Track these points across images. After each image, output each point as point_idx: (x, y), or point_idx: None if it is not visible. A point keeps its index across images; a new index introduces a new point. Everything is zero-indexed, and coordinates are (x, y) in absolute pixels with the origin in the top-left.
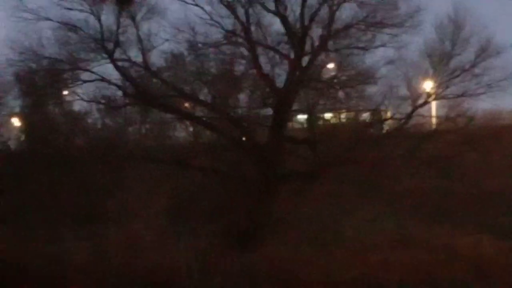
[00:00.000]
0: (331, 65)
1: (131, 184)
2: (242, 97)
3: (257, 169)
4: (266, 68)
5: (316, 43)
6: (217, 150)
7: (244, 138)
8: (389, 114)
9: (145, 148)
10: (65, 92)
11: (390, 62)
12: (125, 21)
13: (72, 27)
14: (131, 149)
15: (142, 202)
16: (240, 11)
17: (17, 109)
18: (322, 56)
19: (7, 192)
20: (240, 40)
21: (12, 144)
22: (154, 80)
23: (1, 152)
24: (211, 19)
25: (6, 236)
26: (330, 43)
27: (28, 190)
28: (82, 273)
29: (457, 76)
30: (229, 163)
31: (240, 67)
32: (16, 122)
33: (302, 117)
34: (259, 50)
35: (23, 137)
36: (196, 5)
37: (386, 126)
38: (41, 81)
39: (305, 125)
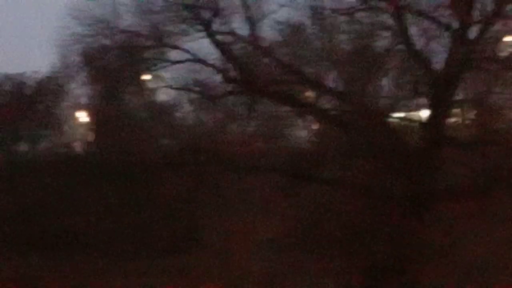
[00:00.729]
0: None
1: (233, 202)
2: (385, 83)
3: (404, 182)
4: (419, 43)
5: (489, 8)
6: (349, 155)
7: (387, 139)
8: None
9: (252, 152)
10: (147, 77)
11: None
12: None
13: None
14: (234, 154)
15: (247, 226)
16: None
17: (84, 100)
18: (497, 26)
19: (73, 211)
20: (382, 4)
21: (77, 146)
22: (265, 60)
23: (64, 156)
24: None
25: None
26: (509, 7)
27: (100, 207)
28: None
29: None
30: (365, 174)
31: (382, 42)
32: (82, 116)
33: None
34: (409, 18)
35: (91, 137)
36: None
37: None
38: (115, 63)
39: (472, 121)
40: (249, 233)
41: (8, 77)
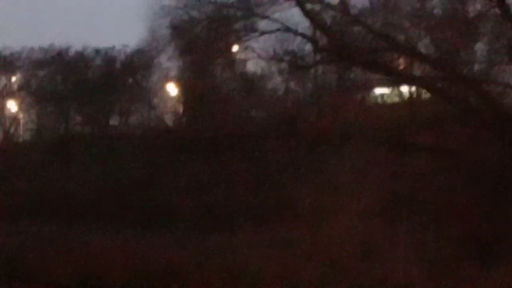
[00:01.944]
0: None
1: (325, 173)
2: (480, 48)
3: (505, 151)
4: None
5: None
6: (445, 123)
7: (483, 105)
8: None
9: (344, 122)
10: (237, 48)
11: None
12: None
13: None
14: (325, 124)
15: (341, 198)
16: None
17: (173, 73)
18: None
19: (162, 182)
20: None
21: (168, 119)
22: (356, 28)
23: (154, 130)
24: None
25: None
26: None
27: (192, 179)
28: None
29: None
30: (462, 142)
31: (476, 6)
32: (172, 89)
33: None
34: None
35: (182, 110)
36: None
37: None
38: (205, 34)
39: None
40: (343, 204)
41: (98, 52)
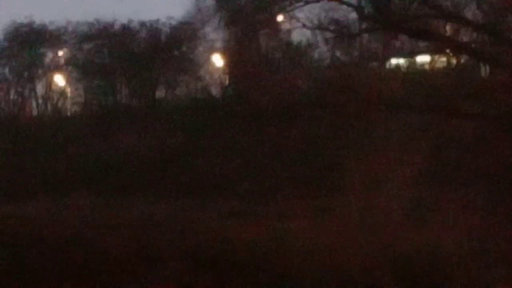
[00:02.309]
0: None
1: (372, 142)
2: None
3: None
4: None
5: None
6: (491, 89)
7: None
8: None
9: (391, 90)
10: (281, 18)
11: None
12: None
13: None
14: (372, 93)
15: (389, 166)
16: None
17: (218, 44)
18: None
19: (209, 153)
20: None
21: (214, 90)
22: None
23: (201, 100)
24: None
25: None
26: None
27: (236, 151)
28: (310, 259)
29: None
30: (509, 108)
31: None
32: (218, 60)
33: None
34: None
35: (227, 80)
36: None
37: None
38: (249, 5)
39: None
40: (391, 172)
41: (143, 24)
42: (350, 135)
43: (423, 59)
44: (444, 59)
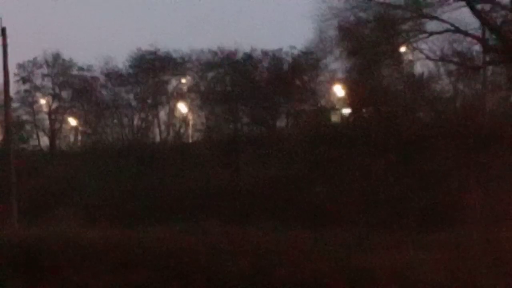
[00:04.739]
0: None
1: (496, 174)
2: None
3: None
4: None
5: None
6: None
7: None
8: None
9: None
10: (404, 49)
11: None
12: None
13: None
14: (496, 124)
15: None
16: None
17: (340, 74)
18: None
19: (329, 183)
20: None
21: (334, 119)
22: None
23: (321, 131)
24: None
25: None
26: None
27: (356, 180)
28: None
29: None
30: None
31: None
32: (339, 90)
33: None
34: None
35: (348, 110)
36: None
37: None
38: (372, 35)
39: None
40: None
41: (265, 53)
42: (473, 167)
43: None
44: None
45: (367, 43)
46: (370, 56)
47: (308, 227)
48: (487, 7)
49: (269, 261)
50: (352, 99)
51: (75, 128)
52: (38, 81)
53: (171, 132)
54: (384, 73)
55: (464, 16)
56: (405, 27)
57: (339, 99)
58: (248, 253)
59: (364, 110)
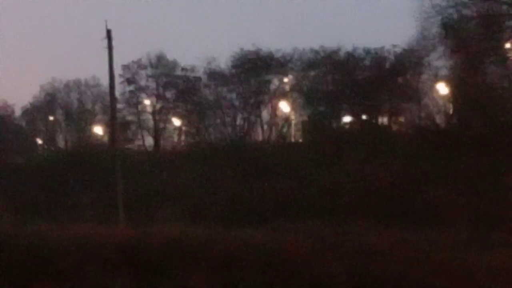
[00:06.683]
0: None
1: None
2: None
3: None
4: None
5: None
6: None
7: None
8: None
9: None
10: (509, 46)
11: None
12: None
13: None
14: None
15: None
16: None
17: (443, 72)
18: None
19: (432, 182)
20: None
21: (438, 118)
22: None
23: (424, 128)
24: None
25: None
26: None
27: (460, 179)
28: None
29: None
30: None
31: None
32: (442, 88)
33: None
34: None
35: (451, 109)
36: None
37: None
38: (476, 32)
39: None
40: None
41: (367, 52)
42: None
43: None
44: None
45: (471, 40)
46: (474, 53)
47: (413, 227)
48: None
49: (371, 262)
50: (455, 97)
51: (178, 128)
52: (142, 82)
53: (274, 132)
54: (488, 70)
55: None
56: (509, 23)
57: (443, 97)
58: (348, 253)
59: (468, 108)
